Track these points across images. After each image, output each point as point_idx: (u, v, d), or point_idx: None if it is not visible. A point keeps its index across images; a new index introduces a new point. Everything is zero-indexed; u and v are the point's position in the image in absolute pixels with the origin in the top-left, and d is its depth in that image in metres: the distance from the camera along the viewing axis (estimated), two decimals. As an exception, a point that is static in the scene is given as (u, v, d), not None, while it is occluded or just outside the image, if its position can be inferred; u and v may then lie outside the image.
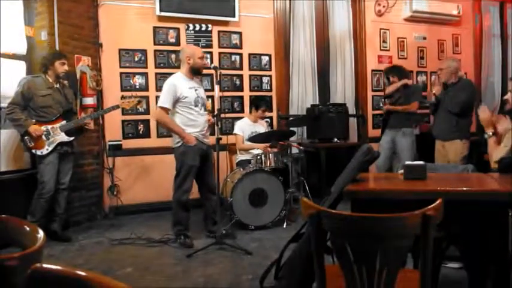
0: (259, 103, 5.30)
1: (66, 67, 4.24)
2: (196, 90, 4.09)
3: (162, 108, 4.00)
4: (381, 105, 6.37)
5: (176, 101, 4.00)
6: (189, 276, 3.28)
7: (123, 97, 4.54)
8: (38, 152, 4.07)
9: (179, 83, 4.03)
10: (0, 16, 4.15)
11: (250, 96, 6.00)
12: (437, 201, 1.46)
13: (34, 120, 4.06)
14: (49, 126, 4.12)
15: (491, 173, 2.76)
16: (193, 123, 4.05)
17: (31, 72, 4.52)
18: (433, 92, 4.89)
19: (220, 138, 3.87)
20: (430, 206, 1.43)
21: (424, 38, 7.04)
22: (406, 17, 6.80)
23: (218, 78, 3.90)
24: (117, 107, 4.41)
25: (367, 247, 1.44)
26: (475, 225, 2.01)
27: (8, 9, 4.42)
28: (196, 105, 4.06)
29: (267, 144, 5.08)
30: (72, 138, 4.27)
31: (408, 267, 2.11)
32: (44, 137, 4.09)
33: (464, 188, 2.09)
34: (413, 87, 5.47)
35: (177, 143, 4.07)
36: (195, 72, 4.12)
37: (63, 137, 4.19)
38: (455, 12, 6.94)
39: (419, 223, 1.41)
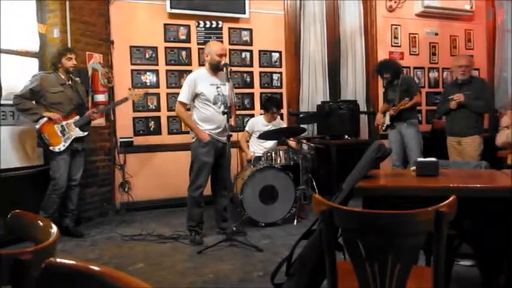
0: (267, 105, 5.25)
1: (74, 61, 4.25)
2: (218, 87, 4.07)
3: (180, 102, 4.08)
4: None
5: (195, 96, 4.05)
6: (199, 272, 3.29)
7: (130, 89, 4.66)
8: (56, 149, 4.11)
9: (200, 79, 4.07)
10: (0, 13, 4.16)
11: (260, 93, 6.00)
12: (451, 198, 1.45)
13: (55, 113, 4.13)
14: (64, 122, 4.17)
15: (505, 169, 2.73)
16: (209, 120, 4.05)
17: (43, 69, 4.55)
18: (458, 99, 4.83)
19: (231, 135, 3.88)
20: (443, 203, 1.42)
21: (436, 34, 6.97)
22: (417, 13, 6.73)
23: (228, 75, 3.91)
24: (126, 99, 4.56)
25: (379, 244, 1.43)
26: (487, 222, 1.98)
27: (21, 6, 4.47)
28: (215, 103, 4.04)
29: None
30: (86, 133, 4.32)
31: (420, 264, 2.09)
32: (59, 133, 4.13)
33: (477, 185, 2.07)
34: (403, 80, 5.39)
35: (193, 138, 4.13)
36: (214, 68, 4.10)
37: (78, 132, 4.24)
38: (467, 7, 6.86)
39: (432, 220, 1.40)
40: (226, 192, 4.13)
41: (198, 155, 4.05)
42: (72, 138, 4.20)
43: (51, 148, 4.11)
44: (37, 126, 4.07)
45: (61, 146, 4.13)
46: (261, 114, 5.41)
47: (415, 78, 6.63)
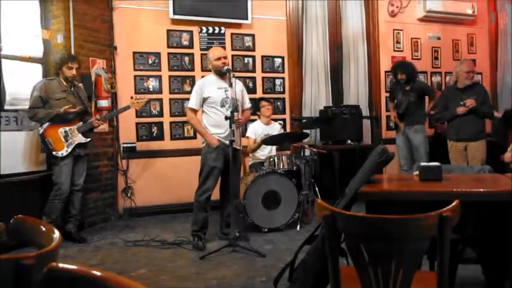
0: (258, 102, 5.31)
1: (73, 71, 4.22)
2: (226, 90, 4.08)
3: (189, 109, 4.17)
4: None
5: (203, 101, 4.11)
6: (202, 278, 3.28)
7: (132, 98, 4.65)
8: (59, 154, 4.13)
9: (206, 84, 4.14)
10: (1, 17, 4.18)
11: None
12: (454, 203, 1.44)
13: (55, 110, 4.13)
14: (67, 128, 4.18)
15: (508, 173, 2.72)
16: (218, 124, 4.09)
17: (47, 75, 4.56)
18: (471, 105, 4.79)
19: (233, 140, 3.88)
20: (446, 207, 1.41)
21: (438, 38, 6.96)
22: (419, 17, 6.73)
23: (231, 81, 3.92)
24: (128, 107, 4.56)
25: (382, 248, 1.42)
26: (491, 227, 1.97)
27: (25, 12, 4.49)
28: (222, 106, 4.08)
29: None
30: (89, 139, 4.34)
31: (424, 269, 2.08)
32: (63, 138, 4.15)
33: (481, 189, 2.06)
34: (416, 86, 5.41)
35: (202, 143, 4.19)
36: (218, 73, 4.13)
37: (81, 138, 4.26)
38: (469, 12, 6.85)
39: (435, 224, 1.39)
40: (234, 198, 4.10)
41: (207, 160, 4.09)
42: (75, 143, 4.21)
43: (54, 153, 4.12)
44: (40, 131, 4.09)
45: (64, 151, 4.15)
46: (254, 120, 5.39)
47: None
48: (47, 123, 4.09)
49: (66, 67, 4.20)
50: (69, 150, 4.17)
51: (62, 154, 4.14)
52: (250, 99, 5.83)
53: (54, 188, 4.16)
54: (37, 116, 4.09)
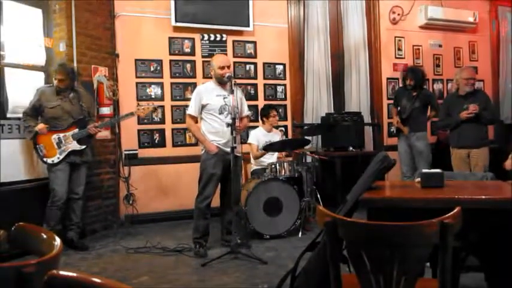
0: (265, 112, 5.29)
1: (57, 82, 4.18)
2: (225, 97, 4.09)
3: (189, 115, 4.19)
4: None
5: (202, 108, 4.12)
6: (204, 285, 3.27)
7: (138, 105, 4.61)
8: (49, 161, 4.11)
9: (206, 90, 4.16)
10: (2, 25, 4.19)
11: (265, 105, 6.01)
12: (456, 209, 1.44)
13: (42, 124, 4.13)
14: (61, 135, 4.16)
15: (510, 181, 2.71)
16: (216, 131, 4.09)
17: (49, 83, 4.57)
18: (474, 110, 4.77)
19: (235, 147, 3.88)
20: (448, 214, 1.41)
21: (440, 46, 6.98)
22: (421, 25, 6.75)
23: (232, 87, 3.93)
24: (132, 114, 4.45)
25: (383, 255, 1.41)
26: (494, 234, 1.96)
27: (28, 20, 4.52)
28: (221, 113, 4.09)
29: (283, 153, 5.07)
30: (84, 146, 4.27)
31: (427, 277, 2.07)
32: (55, 145, 4.13)
33: (483, 196, 2.05)
34: (423, 94, 5.42)
35: (201, 149, 4.19)
36: (220, 81, 4.14)
37: (75, 146, 4.21)
38: (471, 19, 6.87)
39: (437, 231, 1.39)
40: (235, 205, 4.09)
41: (206, 166, 4.08)
42: (69, 151, 4.17)
43: (44, 159, 4.12)
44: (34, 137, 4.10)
45: (55, 158, 4.12)
46: (255, 127, 5.39)
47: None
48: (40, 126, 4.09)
49: (55, 78, 4.22)
50: (61, 157, 4.14)
51: (52, 161, 4.12)
52: (252, 106, 5.89)
53: (50, 194, 4.13)
54: (24, 122, 4.11)
